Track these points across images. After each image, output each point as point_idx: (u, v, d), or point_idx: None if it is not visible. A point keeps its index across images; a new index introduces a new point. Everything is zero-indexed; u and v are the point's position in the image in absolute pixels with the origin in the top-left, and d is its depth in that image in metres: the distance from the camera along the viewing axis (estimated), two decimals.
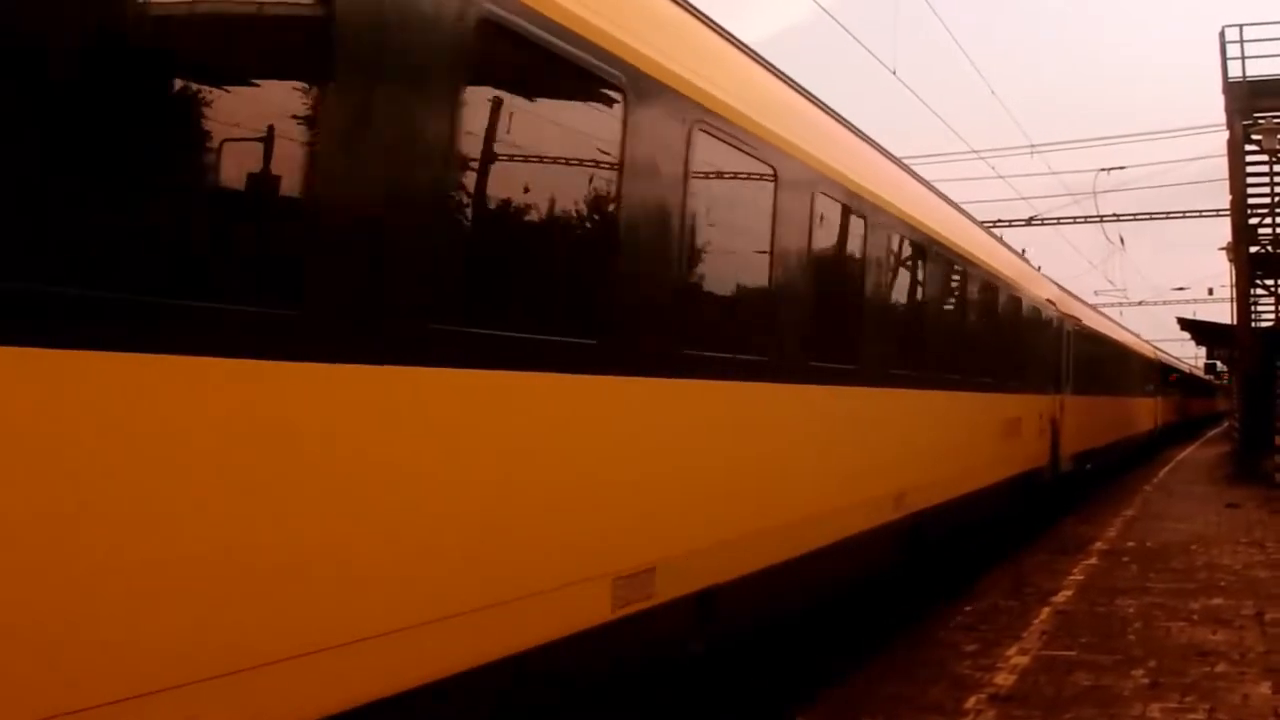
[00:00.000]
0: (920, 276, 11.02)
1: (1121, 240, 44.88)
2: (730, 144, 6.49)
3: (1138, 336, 40.63)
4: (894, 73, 18.55)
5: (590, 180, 5.31)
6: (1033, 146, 37.02)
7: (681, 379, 5.96)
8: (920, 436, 10.85)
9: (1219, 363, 59.45)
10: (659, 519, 5.80)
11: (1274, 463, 24.62)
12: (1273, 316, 30.75)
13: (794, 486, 7.67)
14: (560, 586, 4.87)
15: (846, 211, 8.56)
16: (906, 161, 12.39)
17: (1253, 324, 28.59)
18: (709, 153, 6.26)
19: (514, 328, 4.62)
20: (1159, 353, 47.45)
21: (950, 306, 12.41)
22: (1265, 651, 8.92)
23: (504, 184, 4.73)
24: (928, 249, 11.03)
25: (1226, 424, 56.31)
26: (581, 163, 5.27)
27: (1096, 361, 25.13)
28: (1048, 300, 18.79)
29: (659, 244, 5.77)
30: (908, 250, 10.51)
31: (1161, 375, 45.16)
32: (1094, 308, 29.30)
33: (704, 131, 6.15)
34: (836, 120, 9.20)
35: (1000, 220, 37.45)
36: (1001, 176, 34.73)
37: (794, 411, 7.66)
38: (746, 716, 7.56)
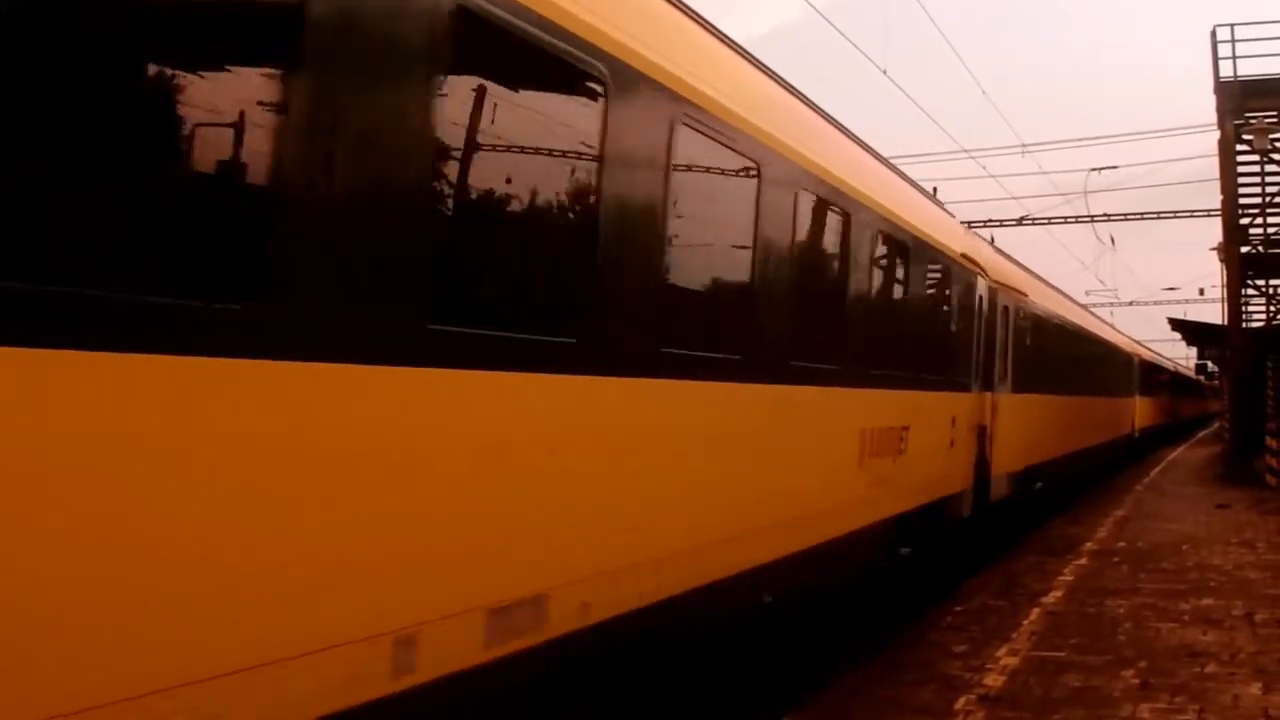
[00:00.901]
0: (656, 170, 5.97)
1: (1112, 240, 44.94)
2: None
3: (1114, 328, 37.59)
4: (884, 72, 18.51)
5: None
6: (1023, 146, 37.15)
7: None
8: (626, 468, 5.79)
9: (1210, 363, 59.51)
10: None
11: (1265, 463, 24.64)
12: (1264, 317, 30.77)
13: None
14: None
15: None
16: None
17: (1244, 324, 28.59)
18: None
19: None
20: (1140, 348, 43.26)
21: (729, 236, 7.15)
22: (1255, 652, 8.89)
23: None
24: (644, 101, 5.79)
25: (1217, 425, 56.34)
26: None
27: (1052, 352, 20.26)
28: (965, 259, 13.16)
29: None
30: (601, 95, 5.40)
31: (1143, 373, 40.49)
32: (1054, 287, 23.48)
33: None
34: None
35: (991, 220, 37.50)
36: (992, 176, 34.74)
37: None
38: (737, 718, 7.49)
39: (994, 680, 8.10)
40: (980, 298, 14.15)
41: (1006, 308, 15.79)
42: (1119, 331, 39.00)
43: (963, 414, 13.11)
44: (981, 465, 14.23)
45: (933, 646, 9.32)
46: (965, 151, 32.54)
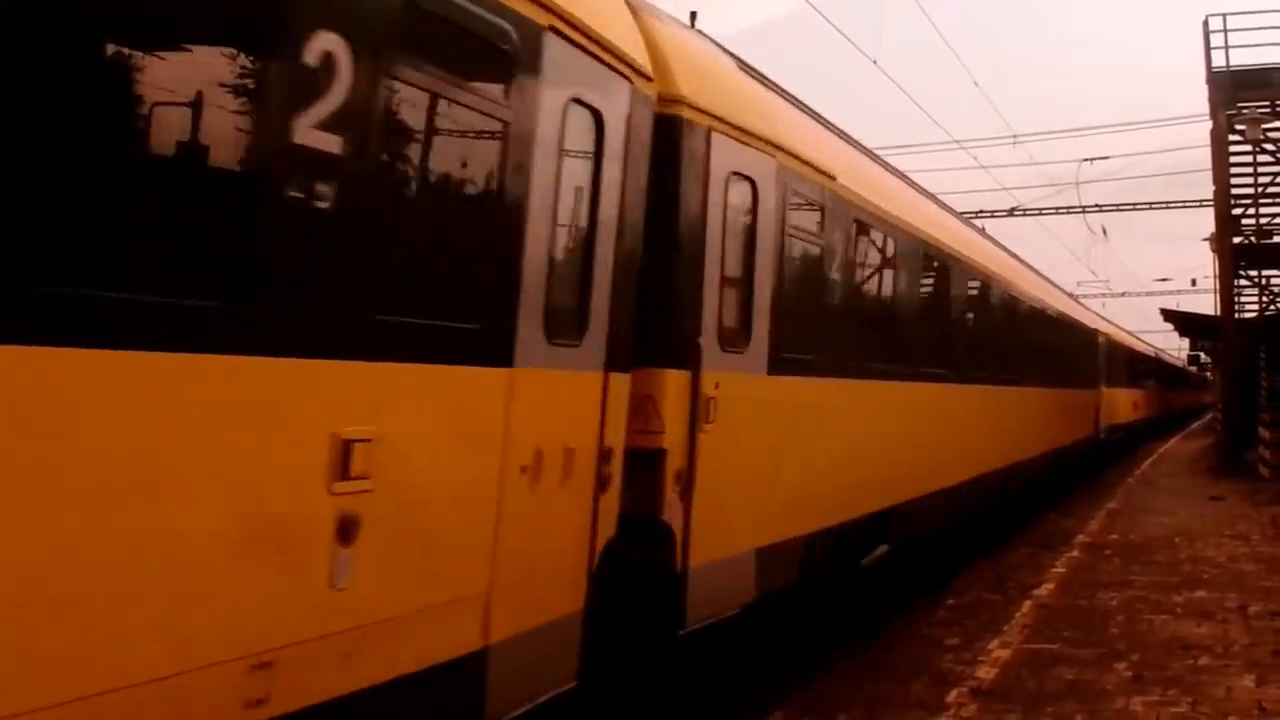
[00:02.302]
0: None
1: (1104, 231, 44.89)
2: None
3: (1074, 297, 30.33)
4: (875, 62, 18.44)
5: None
6: (1015, 137, 37.03)
7: None
8: None
9: (1203, 354, 59.55)
10: None
11: (1258, 455, 24.63)
12: (1256, 307, 30.79)
13: None
14: None
15: None
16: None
17: (1237, 315, 28.59)
18: None
19: None
20: (1110, 326, 34.65)
21: None
22: (1249, 645, 8.85)
23: None
24: None
25: (1210, 417, 56.28)
26: None
27: (919, 303, 11.93)
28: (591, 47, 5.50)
29: None
30: None
31: (1113, 357, 31.51)
32: (936, 201, 14.60)
33: None
34: None
35: (983, 211, 37.42)
36: (983, 167, 34.66)
37: None
38: (723, 716, 7.42)
39: (986, 673, 8.06)
40: (604, 126, 5.76)
41: (752, 183, 7.43)
42: (1079, 302, 31.36)
43: (428, 435, 4.54)
44: (644, 542, 6.38)
45: (925, 640, 9.28)
46: (956, 142, 32.53)
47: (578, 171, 5.61)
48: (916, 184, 13.73)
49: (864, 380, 9.82)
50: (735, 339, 7.27)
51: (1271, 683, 7.70)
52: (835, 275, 9.24)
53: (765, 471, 7.68)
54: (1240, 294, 29.57)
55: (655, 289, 6.40)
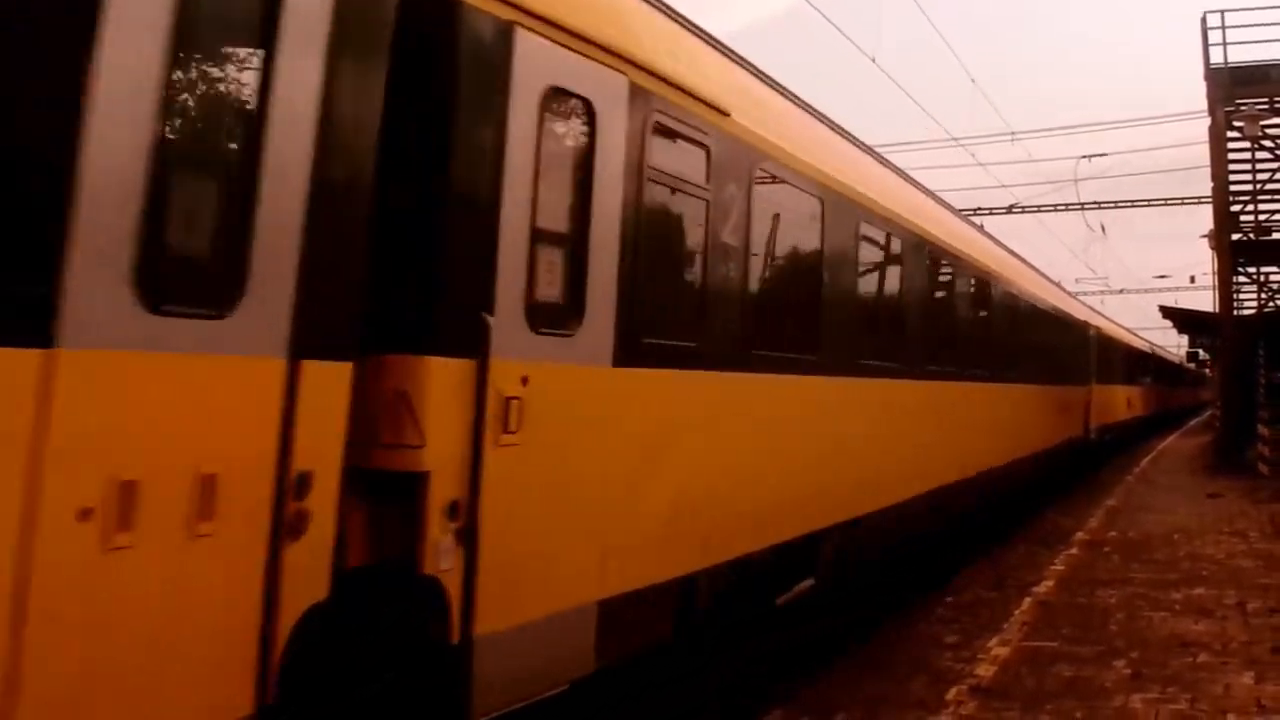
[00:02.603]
0: None
1: (1103, 228, 44.89)
2: None
3: (1063, 288, 27.91)
4: (873, 60, 18.43)
5: None
6: (1013, 134, 36.96)
7: None
8: None
9: (1201, 351, 59.56)
10: None
11: (1257, 452, 24.64)
12: (1255, 304, 30.79)
13: None
14: None
15: None
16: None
17: (1235, 312, 28.58)
18: None
19: None
20: (1101, 319, 32.23)
21: None
22: (1247, 642, 8.86)
23: None
24: None
25: (1209, 413, 56.26)
26: None
27: (839, 274, 8.99)
28: None
29: None
30: None
31: (1106, 352, 29.19)
32: (878, 159, 11.56)
33: None
34: None
35: (981, 208, 37.41)
36: (982, 164, 34.63)
37: None
38: (721, 715, 7.42)
39: (985, 670, 8.07)
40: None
41: (588, 106, 5.49)
42: (1070, 294, 28.92)
43: None
44: (389, 606, 4.47)
45: (924, 638, 9.28)
46: (954, 140, 32.50)
47: (219, 52, 3.69)
48: (877, 152, 11.52)
49: (775, 375, 7.58)
50: (558, 316, 5.25)
51: (1270, 680, 7.71)
52: (730, 240, 6.93)
53: (612, 496, 5.62)
54: (1239, 291, 29.59)
55: (415, 241, 4.56)
